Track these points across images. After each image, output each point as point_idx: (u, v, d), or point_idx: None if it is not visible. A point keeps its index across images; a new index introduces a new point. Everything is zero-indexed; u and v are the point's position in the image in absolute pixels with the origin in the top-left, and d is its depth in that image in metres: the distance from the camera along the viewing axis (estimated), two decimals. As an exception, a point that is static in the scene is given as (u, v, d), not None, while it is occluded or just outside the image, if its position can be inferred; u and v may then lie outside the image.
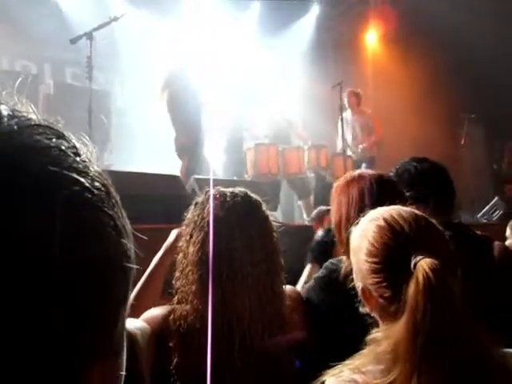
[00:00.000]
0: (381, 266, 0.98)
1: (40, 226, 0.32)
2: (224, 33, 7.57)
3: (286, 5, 8.26)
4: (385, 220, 1.01)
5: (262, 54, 8.09)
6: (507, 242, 2.98)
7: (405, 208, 1.06)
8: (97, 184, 0.37)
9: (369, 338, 0.97)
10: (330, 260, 1.63)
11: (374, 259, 0.99)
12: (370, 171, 1.67)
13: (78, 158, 0.37)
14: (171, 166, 5.42)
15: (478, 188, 6.75)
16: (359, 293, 1.07)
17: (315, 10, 9.01)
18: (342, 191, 1.59)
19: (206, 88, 5.43)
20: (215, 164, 6.04)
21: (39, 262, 0.32)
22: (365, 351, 0.95)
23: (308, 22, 9.02)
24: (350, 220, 1.53)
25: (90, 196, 0.36)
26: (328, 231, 2.00)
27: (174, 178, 3.74)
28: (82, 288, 0.34)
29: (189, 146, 5.13)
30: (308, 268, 2.09)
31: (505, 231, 3.14)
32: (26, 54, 6.99)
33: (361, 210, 1.51)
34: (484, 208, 6.23)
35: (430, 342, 0.85)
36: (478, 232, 2.05)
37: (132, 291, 0.41)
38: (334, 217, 1.60)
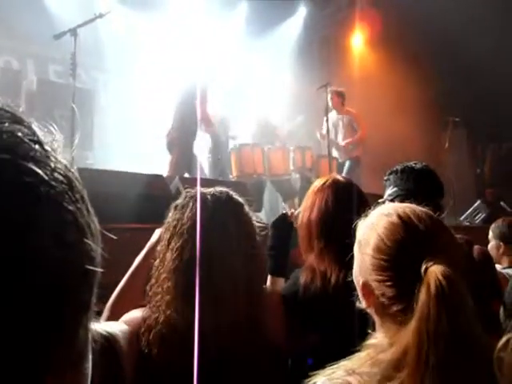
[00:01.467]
0: (388, 264, 0.93)
1: None
2: (211, 33, 7.54)
3: (273, 6, 8.26)
4: (399, 216, 0.95)
5: (248, 55, 8.08)
6: (489, 245, 3.01)
7: (419, 207, 0.99)
8: (57, 176, 0.33)
9: (367, 342, 0.91)
10: (296, 270, 1.63)
11: (382, 256, 0.94)
12: (341, 178, 1.70)
13: (36, 146, 0.33)
14: (154, 164, 5.39)
15: (460, 191, 6.82)
16: (358, 288, 1.01)
17: (302, 12, 9.04)
18: (310, 195, 1.63)
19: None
20: (202, 164, 6.02)
21: None
22: (361, 354, 0.90)
23: (295, 24, 9.05)
24: (311, 224, 1.57)
25: (47, 189, 0.32)
26: (284, 238, 1.91)
27: (157, 177, 3.70)
28: (34, 293, 0.30)
29: (180, 141, 5.14)
30: (269, 278, 2.06)
31: (486, 234, 3.17)
32: (8, 49, 6.88)
33: (326, 216, 1.55)
34: (467, 211, 6.29)
35: (442, 353, 0.80)
36: (459, 235, 2.06)
37: (95, 295, 0.37)
38: (302, 215, 1.64)
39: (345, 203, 1.52)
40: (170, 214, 1.29)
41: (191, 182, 3.39)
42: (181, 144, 5.16)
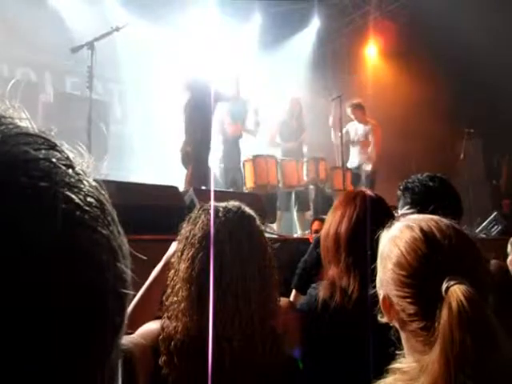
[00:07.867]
0: (410, 281, 0.88)
1: (28, 251, 0.29)
2: (225, 44, 7.60)
3: (286, 18, 8.31)
4: (421, 231, 0.90)
5: (262, 66, 8.12)
6: (509, 259, 2.95)
7: (445, 220, 0.93)
8: (90, 200, 0.34)
9: (393, 366, 0.87)
10: (313, 285, 1.61)
11: (403, 272, 0.89)
12: (370, 192, 1.67)
13: (70, 171, 0.34)
14: (170, 175, 5.41)
15: (476, 203, 6.75)
16: (380, 301, 0.96)
17: (316, 23, 9.08)
18: (339, 207, 1.61)
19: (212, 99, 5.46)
20: (215, 175, 6.04)
21: (23, 291, 0.28)
22: (388, 380, 0.85)
23: (308, 35, 9.09)
24: (340, 236, 1.54)
25: (82, 215, 0.32)
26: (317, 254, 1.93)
27: (172, 188, 3.71)
28: (72, 317, 0.31)
29: (193, 155, 5.14)
30: (293, 294, 2.08)
31: (503, 246, 3.12)
32: (26, 61, 6.99)
33: (357, 230, 1.52)
34: (483, 223, 6.22)
35: (473, 379, 0.74)
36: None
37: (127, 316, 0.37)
38: (328, 227, 1.60)
39: (374, 217, 1.49)
40: (184, 226, 1.32)
41: (206, 194, 3.40)
42: (195, 158, 5.15)
